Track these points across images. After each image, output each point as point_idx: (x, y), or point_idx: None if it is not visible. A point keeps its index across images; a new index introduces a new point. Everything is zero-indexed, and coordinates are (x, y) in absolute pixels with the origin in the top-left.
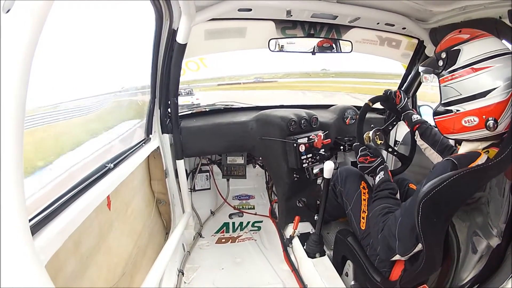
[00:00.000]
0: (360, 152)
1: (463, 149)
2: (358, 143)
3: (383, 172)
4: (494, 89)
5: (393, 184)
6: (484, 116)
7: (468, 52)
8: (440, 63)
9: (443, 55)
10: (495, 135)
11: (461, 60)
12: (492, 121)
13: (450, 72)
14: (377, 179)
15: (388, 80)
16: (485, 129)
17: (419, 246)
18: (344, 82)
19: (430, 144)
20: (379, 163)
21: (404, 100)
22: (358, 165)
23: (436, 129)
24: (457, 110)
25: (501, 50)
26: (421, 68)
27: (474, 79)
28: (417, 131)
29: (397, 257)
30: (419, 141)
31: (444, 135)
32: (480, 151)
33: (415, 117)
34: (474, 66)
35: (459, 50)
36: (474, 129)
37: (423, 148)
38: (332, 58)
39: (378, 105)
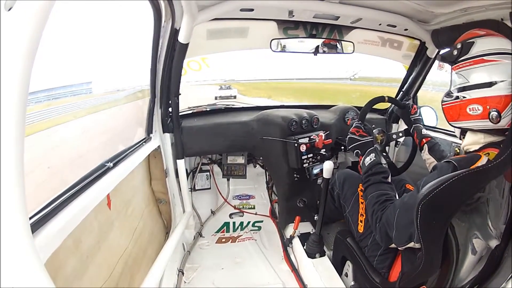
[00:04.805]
0: (355, 124)
1: (467, 140)
2: (358, 119)
3: (373, 154)
4: (501, 81)
5: (385, 167)
6: (488, 106)
7: (481, 45)
8: (455, 52)
9: (459, 45)
10: (497, 129)
11: (474, 51)
12: (496, 113)
13: (462, 60)
14: (368, 160)
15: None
16: (488, 120)
17: (415, 244)
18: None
19: (437, 159)
20: (368, 142)
21: (418, 113)
22: (348, 136)
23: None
24: (464, 97)
25: None
26: (439, 57)
27: (483, 69)
28: (425, 145)
29: (394, 245)
30: (426, 155)
31: (450, 122)
32: (480, 154)
33: (425, 131)
34: (485, 58)
35: (473, 42)
36: (477, 118)
37: (429, 163)
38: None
39: (379, 106)
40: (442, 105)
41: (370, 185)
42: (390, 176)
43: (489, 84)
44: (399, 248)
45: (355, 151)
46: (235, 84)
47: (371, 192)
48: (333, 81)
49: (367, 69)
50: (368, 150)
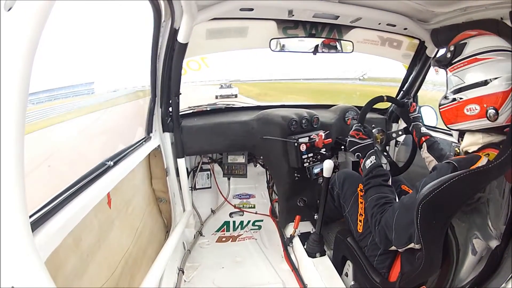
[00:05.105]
0: (355, 126)
1: (465, 141)
2: (357, 121)
3: (374, 156)
4: (496, 78)
5: (385, 170)
6: (485, 105)
7: (474, 45)
8: (448, 55)
9: (452, 48)
10: (496, 128)
11: (467, 51)
12: (493, 111)
13: (456, 62)
14: (368, 163)
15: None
16: (486, 118)
17: (415, 245)
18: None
19: (436, 157)
20: (369, 145)
21: (417, 111)
22: (348, 139)
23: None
24: (460, 98)
25: (505, 47)
26: (433, 62)
27: (477, 68)
28: (424, 143)
29: (394, 248)
30: (425, 154)
31: (448, 125)
32: (480, 154)
33: (424, 129)
34: (478, 57)
35: (465, 43)
36: (475, 118)
37: (428, 161)
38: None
39: (379, 105)
40: (439, 109)
41: (370, 187)
42: (390, 179)
43: (484, 83)
44: (398, 250)
45: (356, 154)
46: (248, 85)
47: (371, 194)
48: (342, 81)
49: (377, 69)
50: (369, 153)
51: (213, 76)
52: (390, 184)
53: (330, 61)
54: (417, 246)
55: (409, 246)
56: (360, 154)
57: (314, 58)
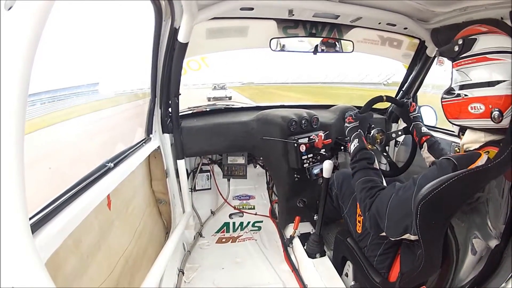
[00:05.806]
0: (348, 112)
1: (466, 138)
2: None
3: (357, 139)
4: (504, 81)
5: (370, 153)
6: (490, 106)
7: (484, 42)
8: (456, 48)
9: (460, 41)
10: (498, 128)
11: (476, 48)
12: (498, 113)
13: (464, 57)
14: (352, 147)
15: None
16: (490, 119)
17: (411, 235)
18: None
19: (436, 157)
20: (353, 127)
21: (417, 111)
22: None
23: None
24: (465, 95)
25: None
26: (437, 53)
27: (486, 68)
28: (425, 143)
29: (384, 234)
30: (426, 154)
31: (449, 120)
32: (480, 152)
33: (424, 129)
34: (488, 56)
35: (475, 39)
36: (479, 117)
37: (428, 161)
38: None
39: (379, 106)
40: (441, 102)
41: (356, 171)
42: (376, 161)
43: (492, 83)
44: (391, 239)
45: (346, 138)
46: (271, 87)
47: (357, 178)
48: (365, 86)
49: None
50: (353, 136)
51: (228, 78)
52: (376, 166)
53: (352, 65)
54: (413, 237)
55: (404, 236)
56: (349, 138)
57: (334, 61)
